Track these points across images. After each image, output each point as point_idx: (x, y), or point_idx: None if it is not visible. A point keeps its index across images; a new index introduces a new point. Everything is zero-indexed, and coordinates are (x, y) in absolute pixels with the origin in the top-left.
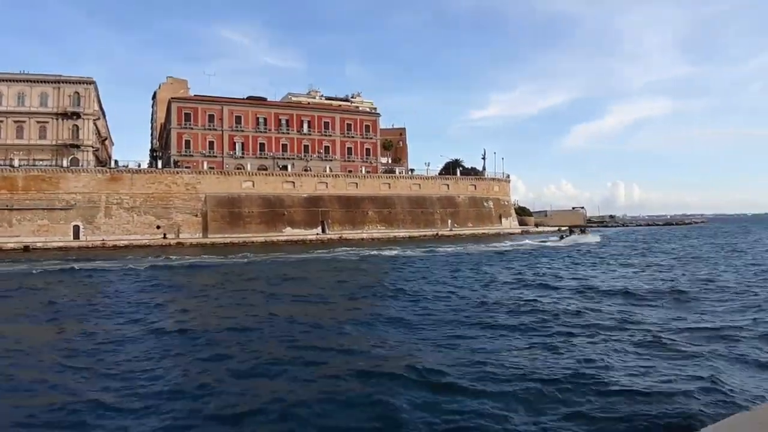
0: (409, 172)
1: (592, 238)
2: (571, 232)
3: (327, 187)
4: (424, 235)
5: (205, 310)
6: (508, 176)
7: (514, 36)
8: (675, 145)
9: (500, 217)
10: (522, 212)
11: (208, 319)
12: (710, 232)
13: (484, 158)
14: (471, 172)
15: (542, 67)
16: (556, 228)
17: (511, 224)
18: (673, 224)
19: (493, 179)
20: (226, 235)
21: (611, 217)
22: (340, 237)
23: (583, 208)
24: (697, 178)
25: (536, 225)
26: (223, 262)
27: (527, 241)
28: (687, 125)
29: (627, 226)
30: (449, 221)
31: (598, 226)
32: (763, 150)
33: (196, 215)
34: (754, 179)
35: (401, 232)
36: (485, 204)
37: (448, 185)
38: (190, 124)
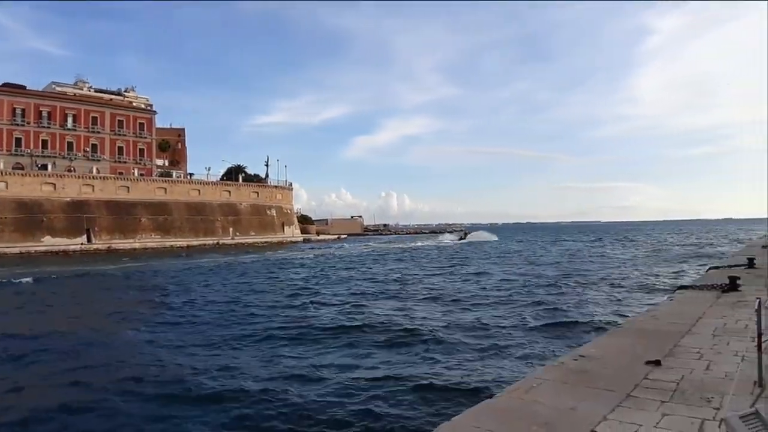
0: (188, 177)
1: (484, 237)
2: (466, 235)
3: (94, 190)
4: (204, 244)
5: None
6: (291, 184)
7: (299, 44)
8: (440, 160)
9: (283, 225)
10: (304, 220)
11: None
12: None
13: (267, 165)
14: (254, 179)
15: (325, 79)
16: (336, 236)
17: (293, 232)
18: (437, 232)
19: (276, 187)
20: None
21: (385, 225)
22: (108, 247)
23: (360, 216)
24: (459, 190)
25: (318, 233)
26: None
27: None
28: (450, 142)
29: (399, 234)
30: (231, 229)
31: (374, 234)
32: (510, 167)
33: None
34: (504, 193)
35: (179, 241)
36: (268, 212)
37: (229, 191)
38: None
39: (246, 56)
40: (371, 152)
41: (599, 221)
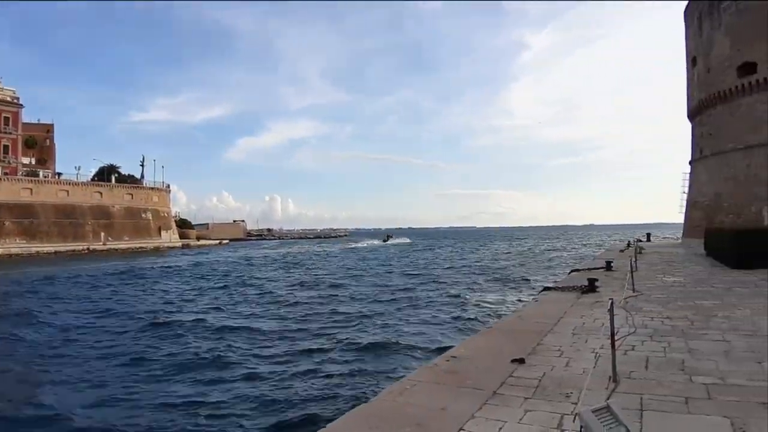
0: (57, 176)
1: (401, 240)
2: (389, 238)
3: None
4: (74, 250)
5: None
6: (169, 186)
7: (179, 41)
8: (326, 165)
9: (160, 230)
10: (183, 225)
11: None
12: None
13: (143, 165)
14: (128, 180)
15: (208, 77)
16: (218, 241)
17: (171, 237)
18: (322, 237)
19: (153, 189)
20: None
21: (269, 230)
22: None
23: (243, 221)
24: (344, 195)
25: (198, 238)
26: None
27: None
28: (337, 147)
29: (283, 239)
30: (102, 234)
31: (257, 239)
32: (395, 173)
33: None
34: (388, 198)
35: (46, 247)
36: (143, 215)
37: (101, 193)
38: None
39: (122, 51)
40: (255, 154)
41: (475, 227)
